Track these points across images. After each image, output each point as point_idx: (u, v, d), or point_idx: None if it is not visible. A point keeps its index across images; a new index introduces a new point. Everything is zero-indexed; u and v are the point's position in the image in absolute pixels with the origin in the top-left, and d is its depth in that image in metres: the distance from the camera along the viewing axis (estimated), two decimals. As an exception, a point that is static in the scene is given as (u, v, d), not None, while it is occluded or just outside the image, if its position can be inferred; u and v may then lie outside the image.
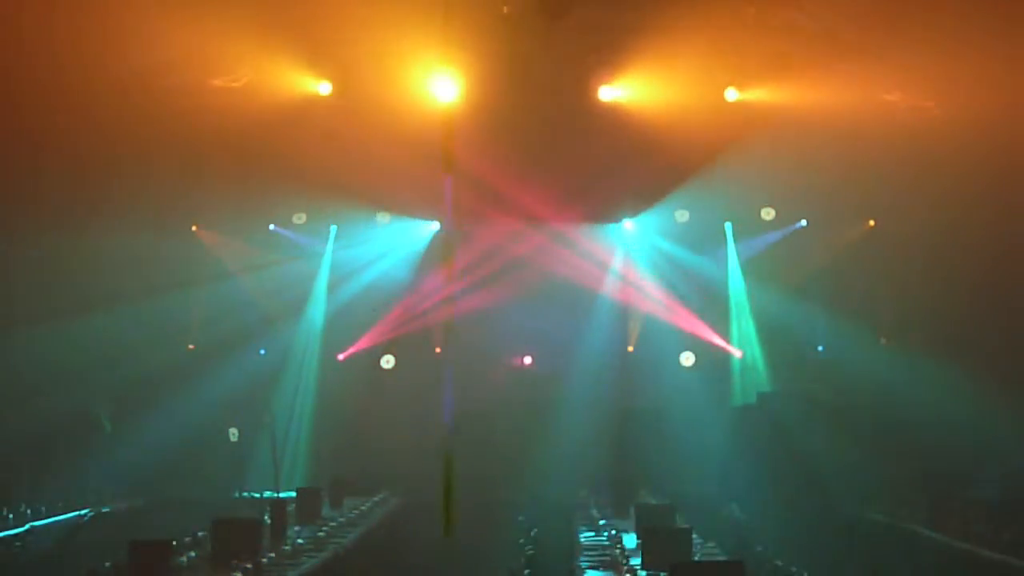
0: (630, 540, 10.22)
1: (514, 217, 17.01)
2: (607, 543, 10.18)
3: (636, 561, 9.09)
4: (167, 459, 15.47)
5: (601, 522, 11.60)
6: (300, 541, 9.96)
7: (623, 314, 17.46)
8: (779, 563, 10.24)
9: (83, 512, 13.21)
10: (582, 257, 17.15)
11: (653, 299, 17.24)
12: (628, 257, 17.56)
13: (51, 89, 14.32)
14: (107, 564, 8.39)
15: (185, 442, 15.71)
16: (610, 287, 17.32)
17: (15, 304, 15.91)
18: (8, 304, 15.87)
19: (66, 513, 12.94)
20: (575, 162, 16.61)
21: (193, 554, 8.99)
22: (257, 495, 15.07)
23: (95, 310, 15.73)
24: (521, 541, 11.04)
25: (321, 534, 10.47)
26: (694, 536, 9.42)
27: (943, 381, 15.41)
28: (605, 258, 17.40)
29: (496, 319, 16.95)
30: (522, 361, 17.45)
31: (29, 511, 12.35)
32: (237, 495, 15.29)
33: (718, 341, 17.31)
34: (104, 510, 13.71)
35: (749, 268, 17.45)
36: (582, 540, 10.44)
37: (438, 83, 16.02)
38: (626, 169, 16.71)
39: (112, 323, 15.83)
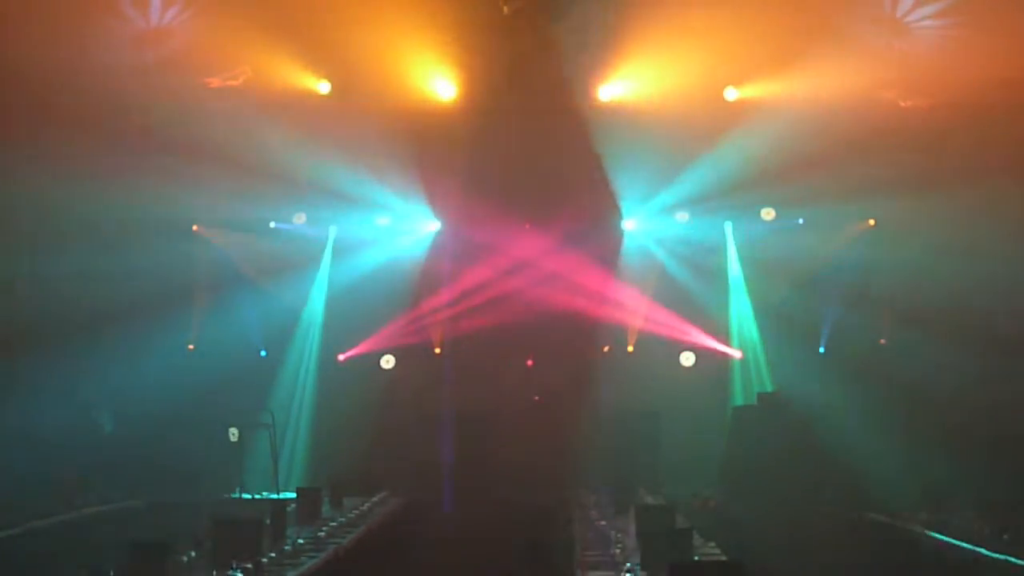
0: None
1: (514, 218, 17.01)
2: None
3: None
4: (167, 461, 15.46)
5: (603, 522, 11.58)
6: (300, 541, 9.94)
7: (623, 319, 17.43)
8: (778, 563, 10.25)
9: (83, 515, 13.20)
10: (581, 270, 17.05)
11: (651, 319, 17.21)
12: (627, 259, 17.53)
13: (49, 89, 14.34)
14: (106, 564, 8.38)
15: (185, 443, 15.70)
16: (609, 302, 17.23)
17: (14, 301, 15.92)
18: (9, 308, 15.88)
19: (66, 513, 12.94)
20: (574, 162, 16.62)
21: (193, 554, 8.98)
22: (257, 495, 15.07)
23: (94, 311, 15.74)
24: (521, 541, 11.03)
25: (321, 534, 10.45)
26: (694, 536, 9.41)
27: (944, 380, 15.42)
28: (604, 268, 17.31)
29: (497, 320, 16.95)
30: (523, 361, 17.44)
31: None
32: (237, 495, 15.28)
33: (717, 346, 17.29)
34: (104, 510, 13.70)
35: (749, 268, 17.46)
36: None
37: (438, 83, 16.04)
38: (625, 169, 16.72)
39: (111, 324, 15.83)
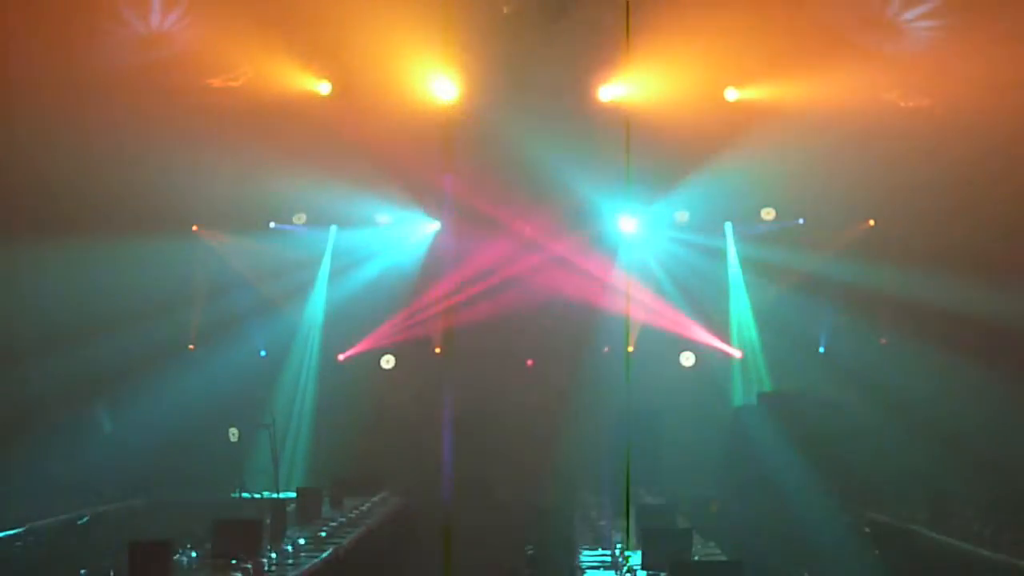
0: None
1: (513, 217, 17.00)
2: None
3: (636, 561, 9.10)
4: (166, 460, 15.46)
5: (603, 522, 11.60)
6: (300, 541, 9.96)
7: (622, 316, 17.43)
8: (779, 563, 10.26)
9: (82, 515, 13.20)
10: (582, 261, 17.08)
11: (651, 310, 17.21)
12: (626, 263, 17.52)
13: (48, 89, 14.33)
14: (106, 564, 8.39)
15: (185, 443, 15.70)
16: (609, 301, 17.24)
17: (15, 309, 15.91)
18: (9, 309, 15.86)
19: (65, 514, 12.94)
20: (574, 161, 16.60)
21: (193, 554, 8.99)
22: (257, 495, 15.06)
23: (94, 312, 15.73)
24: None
25: (321, 534, 10.47)
26: (694, 536, 9.42)
27: (943, 380, 15.42)
28: (604, 261, 17.35)
29: (496, 320, 16.94)
30: (523, 362, 17.44)
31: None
32: (237, 495, 15.27)
33: (717, 343, 17.30)
34: (104, 510, 13.70)
35: (749, 268, 17.46)
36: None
37: (438, 83, 16.04)
38: (625, 169, 16.70)
39: (110, 324, 15.81)
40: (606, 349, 17.40)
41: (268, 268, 17.30)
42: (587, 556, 9.73)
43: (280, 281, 17.32)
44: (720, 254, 17.57)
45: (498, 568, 12.58)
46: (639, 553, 9.20)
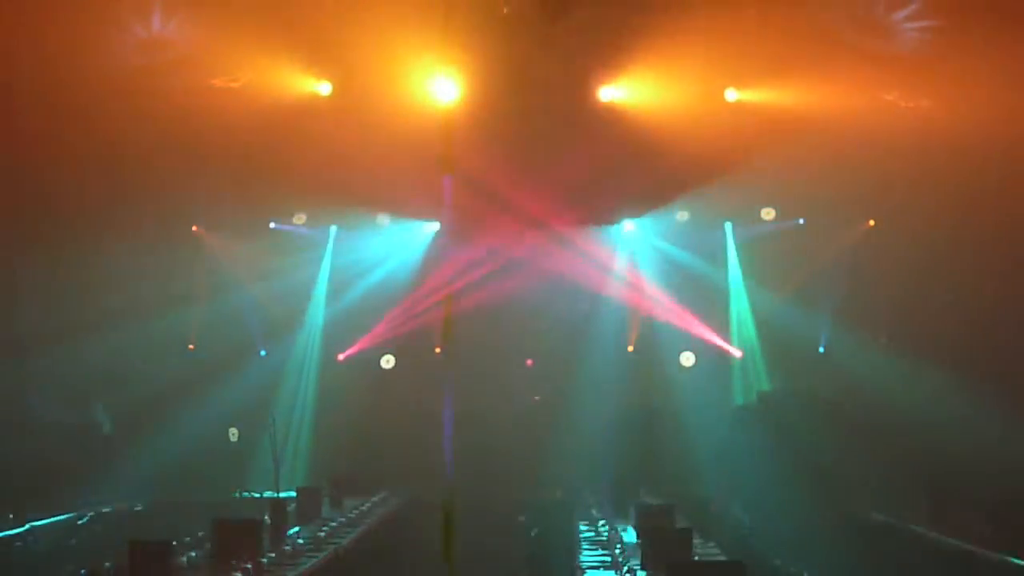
0: (630, 535, 10.21)
1: (514, 218, 17.00)
2: (606, 540, 10.15)
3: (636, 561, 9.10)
4: (167, 461, 15.46)
5: (601, 521, 11.60)
6: (300, 541, 9.96)
7: (623, 315, 17.45)
8: (779, 563, 10.27)
9: (82, 515, 13.21)
10: (582, 258, 17.11)
11: (653, 300, 17.24)
12: (628, 258, 17.55)
13: (50, 90, 14.33)
14: (107, 564, 8.40)
15: (185, 444, 15.70)
16: (610, 288, 17.30)
17: (17, 309, 15.91)
18: (10, 309, 15.87)
19: (66, 513, 12.96)
20: (575, 162, 16.61)
21: (193, 554, 9.00)
22: (257, 495, 15.07)
23: (95, 312, 15.73)
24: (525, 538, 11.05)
25: (321, 534, 10.47)
26: (694, 536, 9.42)
27: (943, 381, 15.42)
28: (605, 259, 17.39)
29: (496, 319, 16.95)
30: (523, 361, 17.44)
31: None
32: (237, 495, 15.28)
33: (718, 341, 17.30)
34: (104, 511, 13.71)
35: (749, 267, 17.46)
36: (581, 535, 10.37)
37: (438, 83, 16.04)
38: (625, 169, 16.71)
39: (112, 325, 15.82)
40: (608, 348, 17.38)
41: (268, 268, 17.30)
42: (587, 556, 9.73)
43: (280, 281, 17.33)
44: (720, 254, 17.57)
45: (498, 567, 12.58)
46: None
